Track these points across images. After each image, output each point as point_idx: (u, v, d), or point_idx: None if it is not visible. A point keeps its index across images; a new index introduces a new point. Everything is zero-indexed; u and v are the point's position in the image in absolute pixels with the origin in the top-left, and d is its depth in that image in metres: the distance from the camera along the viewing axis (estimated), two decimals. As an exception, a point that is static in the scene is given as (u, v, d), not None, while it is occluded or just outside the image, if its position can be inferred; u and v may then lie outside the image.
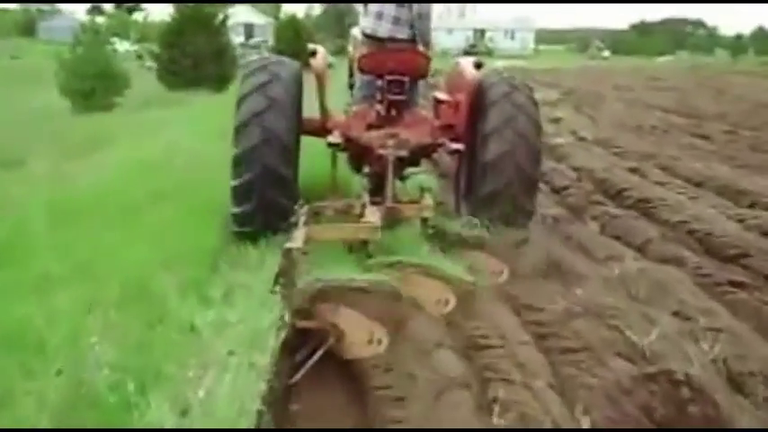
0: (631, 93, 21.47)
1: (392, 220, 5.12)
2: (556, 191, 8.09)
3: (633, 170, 8.85)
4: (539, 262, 5.11)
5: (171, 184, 6.71)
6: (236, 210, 5.33)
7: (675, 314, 4.34)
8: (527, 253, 5.18)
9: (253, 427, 3.02)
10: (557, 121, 14.15)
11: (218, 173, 6.52)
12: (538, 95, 6.17)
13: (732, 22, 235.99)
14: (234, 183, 5.28)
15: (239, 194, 5.29)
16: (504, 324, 4.13)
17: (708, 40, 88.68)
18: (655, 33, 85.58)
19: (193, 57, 23.09)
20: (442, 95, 6.38)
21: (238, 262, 4.97)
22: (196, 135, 10.43)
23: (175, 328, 3.87)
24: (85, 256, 4.65)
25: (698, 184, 8.18)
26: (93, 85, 18.98)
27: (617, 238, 6.17)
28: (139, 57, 32.56)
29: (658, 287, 4.76)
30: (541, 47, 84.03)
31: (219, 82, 22.75)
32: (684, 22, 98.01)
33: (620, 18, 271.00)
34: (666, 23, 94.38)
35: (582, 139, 11.87)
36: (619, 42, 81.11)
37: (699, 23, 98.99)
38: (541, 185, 7.81)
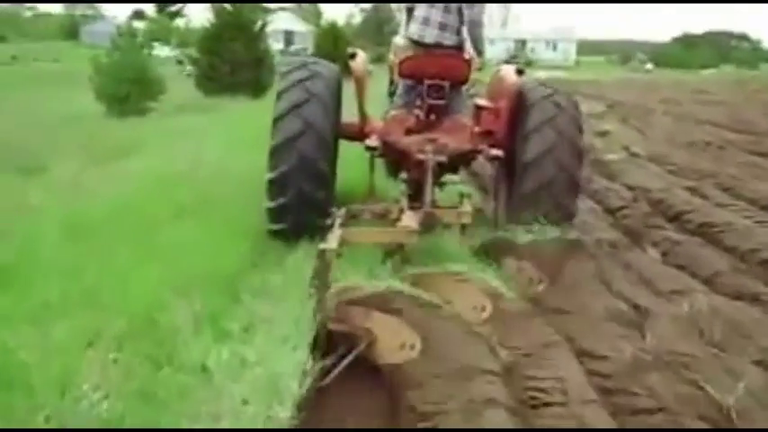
0: (679, 107, 20.44)
1: (430, 226, 4.98)
2: (610, 211, 7.42)
3: (692, 190, 8.13)
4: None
5: (195, 197, 6.26)
6: (271, 204, 5.22)
7: (758, 363, 3.79)
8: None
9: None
10: (604, 134, 13.44)
11: (245, 187, 6.34)
12: (582, 107, 5.87)
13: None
14: (269, 175, 5.18)
15: (275, 187, 5.18)
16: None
17: (752, 53, 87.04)
18: (698, 46, 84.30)
19: (231, 63, 22.77)
20: (482, 102, 6.17)
21: (261, 289, 4.50)
22: (226, 144, 10.04)
23: (185, 368, 3.40)
24: (93, 280, 4.19)
25: (764, 207, 7.47)
26: (129, 90, 18.62)
27: (681, 267, 5.53)
28: (180, 62, 32.25)
29: (735, 329, 4.19)
30: (582, 58, 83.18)
31: (257, 89, 22.37)
32: (729, 35, 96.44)
33: (662, 30, 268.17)
34: (710, 36, 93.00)
35: (634, 154, 11.11)
36: (661, 55, 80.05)
37: (743, 37, 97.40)
38: (594, 205, 7.50)
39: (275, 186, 5.18)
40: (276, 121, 5.21)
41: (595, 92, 25.66)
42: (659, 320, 4.29)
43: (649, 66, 67.34)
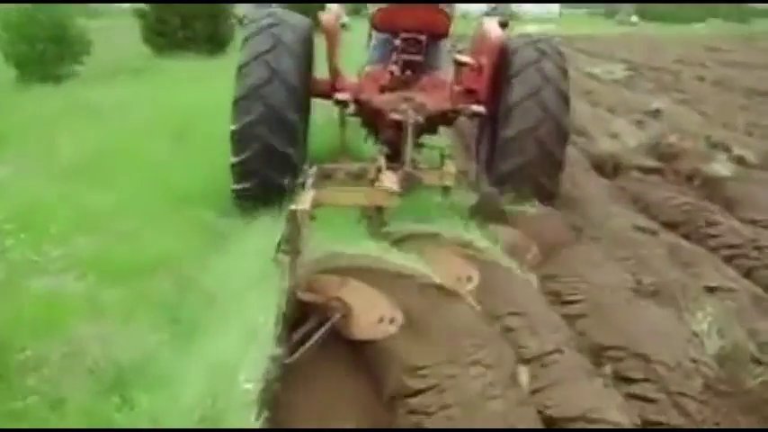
0: (706, 69, 17.94)
1: (410, 188, 4.72)
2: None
3: None
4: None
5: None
6: (235, 159, 4.98)
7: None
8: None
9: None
10: (656, 114, 10.82)
11: (142, 188, 5.47)
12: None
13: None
14: (233, 127, 4.93)
15: (239, 140, 4.92)
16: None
17: (736, 8, 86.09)
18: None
19: (183, 15, 19.30)
20: (463, 58, 5.79)
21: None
22: (146, 130, 7.80)
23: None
24: None
25: None
26: (44, 50, 14.81)
27: None
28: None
29: None
30: (563, 11, 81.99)
31: (214, 45, 19.38)
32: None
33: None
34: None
35: (742, 161, 7.67)
36: (645, 7, 79.05)
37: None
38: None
39: (239, 139, 4.90)
40: (241, 68, 4.94)
41: (600, 49, 24.25)
42: None
43: (635, 18, 66.60)
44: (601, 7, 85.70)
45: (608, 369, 3.26)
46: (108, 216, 4.88)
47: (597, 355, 3.40)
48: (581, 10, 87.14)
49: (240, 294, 3.62)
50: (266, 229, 4.31)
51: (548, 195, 5.24)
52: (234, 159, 4.93)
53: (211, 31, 19.63)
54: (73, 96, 10.95)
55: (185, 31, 19.28)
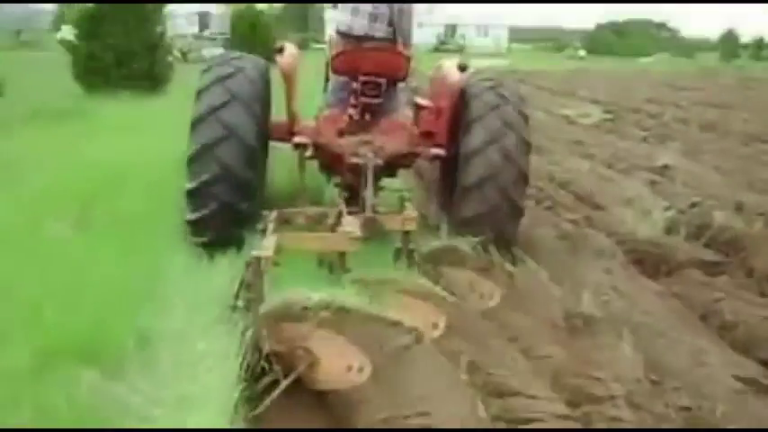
0: (685, 111, 16.99)
1: (372, 233, 4.67)
2: None
3: None
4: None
5: None
6: (191, 216, 4.92)
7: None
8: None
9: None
10: (665, 172, 9.31)
11: None
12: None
13: (693, 24, 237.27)
14: (188, 185, 4.88)
15: (194, 199, 4.88)
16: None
17: (683, 43, 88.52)
18: (627, 34, 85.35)
19: (116, 50, 17.23)
20: (422, 101, 5.86)
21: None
22: (45, 197, 5.99)
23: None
24: None
25: None
26: None
27: None
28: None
29: None
30: (511, 45, 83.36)
31: (151, 82, 17.52)
32: (649, 23, 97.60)
33: (588, 18, 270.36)
34: (633, 24, 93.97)
35: None
36: (592, 42, 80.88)
37: (662, 25, 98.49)
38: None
39: (195, 198, 4.89)
40: (194, 124, 4.91)
41: (560, 86, 23.59)
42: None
43: (582, 53, 68.05)
44: (548, 40, 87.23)
45: None
46: None
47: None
48: (527, 45, 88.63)
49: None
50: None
51: (507, 242, 5.26)
52: (191, 216, 4.94)
53: (149, 69, 17.74)
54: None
55: (120, 69, 17.24)
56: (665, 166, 9.55)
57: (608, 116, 16.05)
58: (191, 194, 4.89)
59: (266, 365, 3.34)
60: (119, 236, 5.03)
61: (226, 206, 4.86)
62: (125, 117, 11.51)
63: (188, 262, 4.71)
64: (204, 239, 4.94)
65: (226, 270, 4.50)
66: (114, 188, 6.35)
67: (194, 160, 4.87)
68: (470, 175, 5.16)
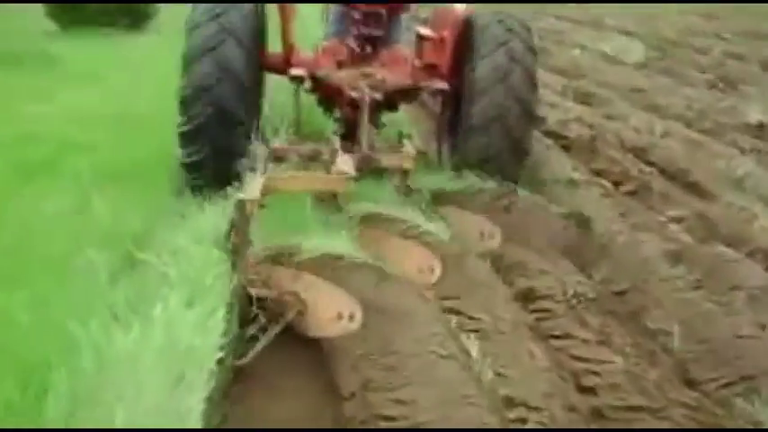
0: (730, 44, 14.06)
1: (366, 171, 4.54)
2: None
3: None
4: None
5: None
6: (185, 158, 4.73)
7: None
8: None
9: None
10: (762, 132, 7.45)
11: None
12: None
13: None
14: (182, 128, 4.67)
15: (188, 141, 4.69)
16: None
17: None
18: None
19: None
20: (424, 31, 5.58)
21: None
22: None
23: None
24: None
25: None
26: None
27: None
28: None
29: None
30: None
31: (132, 19, 15.40)
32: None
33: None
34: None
35: None
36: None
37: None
38: None
39: (188, 140, 4.68)
40: (187, 63, 4.65)
41: (582, 16, 19.32)
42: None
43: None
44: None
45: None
46: None
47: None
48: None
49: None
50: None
51: (512, 180, 5.06)
52: (184, 159, 4.75)
53: (130, 4, 15.50)
54: None
55: (98, 4, 15.11)
56: (761, 126, 7.56)
57: (654, 53, 13.20)
58: (184, 137, 4.69)
59: (255, 312, 3.23)
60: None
61: (221, 148, 4.67)
62: (98, 60, 10.06)
63: (184, 206, 4.48)
64: (200, 182, 4.71)
65: (220, 212, 4.27)
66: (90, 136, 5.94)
67: (187, 101, 4.64)
68: (476, 115, 4.94)
